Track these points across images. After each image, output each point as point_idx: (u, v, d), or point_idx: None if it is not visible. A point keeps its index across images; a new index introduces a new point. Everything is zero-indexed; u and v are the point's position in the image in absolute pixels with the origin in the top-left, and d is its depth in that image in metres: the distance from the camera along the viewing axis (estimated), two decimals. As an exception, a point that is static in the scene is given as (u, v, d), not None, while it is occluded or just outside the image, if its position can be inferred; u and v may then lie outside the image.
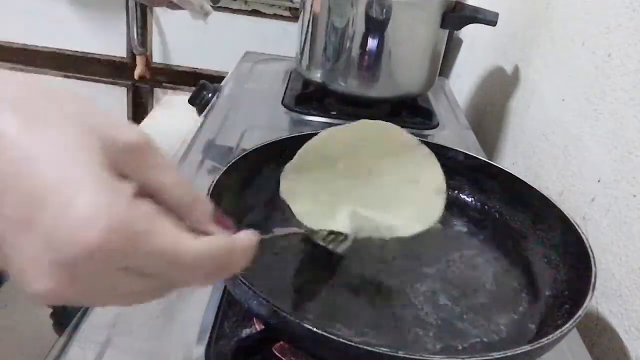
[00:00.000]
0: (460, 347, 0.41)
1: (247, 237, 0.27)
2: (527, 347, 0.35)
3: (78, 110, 0.23)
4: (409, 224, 0.48)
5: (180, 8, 0.79)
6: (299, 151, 0.47)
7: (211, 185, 0.45)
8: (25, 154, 0.21)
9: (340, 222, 0.48)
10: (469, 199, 0.58)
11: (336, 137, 0.47)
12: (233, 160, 0.50)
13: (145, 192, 0.24)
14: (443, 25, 0.83)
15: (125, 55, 1.71)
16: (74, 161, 0.21)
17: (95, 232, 0.20)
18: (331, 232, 0.46)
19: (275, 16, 1.63)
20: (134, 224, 0.21)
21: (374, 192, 0.50)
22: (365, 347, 0.32)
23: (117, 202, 0.21)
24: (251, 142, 0.65)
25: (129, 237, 0.21)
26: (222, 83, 0.97)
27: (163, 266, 0.23)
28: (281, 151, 0.54)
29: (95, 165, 0.21)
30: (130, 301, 0.25)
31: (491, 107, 0.98)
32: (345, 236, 0.46)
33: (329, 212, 0.48)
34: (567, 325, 0.36)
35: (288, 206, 0.53)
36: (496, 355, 0.33)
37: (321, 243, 0.44)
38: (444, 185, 0.49)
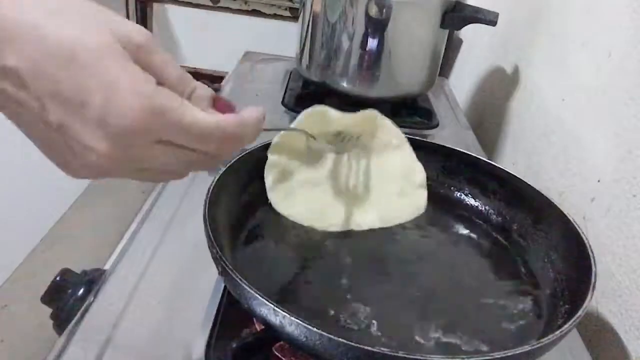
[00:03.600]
0: (460, 347, 0.41)
1: (255, 112, 0.33)
2: (527, 347, 0.35)
3: (98, 14, 0.28)
4: (399, 214, 0.54)
5: None
6: (277, 145, 0.50)
7: (211, 185, 0.45)
8: (69, 52, 0.26)
9: (335, 221, 0.52)
10: (469, 199, 0.58)
11: (316, 131, 0.49)
12: (233, 160, 0.50)
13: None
14: (443, 25, 0.83)
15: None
16: (110, 57, 0.27)
17: (136, 112, 0.27)
18: (338, 133, 0.50)
19: (275, 16, 1.63)
20: (162, 104, 0.28)
21: (362, 188, 0.53)
22: (365, 347, 0.32)
23: (147, 87, 0.28)
24: (251, 142, 0.65)
25: (160, 114, 0.28)
26: (222, 83, 0.97)
27: (189, 137, 0.29)
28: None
29: (127, 60, 0.28)
30: (168, 175, 0.33)
31: (491, 107, 0.98)
32: (349, 137, 0.51)
33: (322, 213, 0.52)
34: (567, 325, 0.36)
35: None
36: (496, 355, 0.33)
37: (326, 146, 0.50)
38: (424, 179, 0.56)
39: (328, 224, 0.52)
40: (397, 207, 0.54)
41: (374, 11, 0.79)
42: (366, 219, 0.53)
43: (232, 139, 0.32)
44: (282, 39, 1.57)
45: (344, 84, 0.84)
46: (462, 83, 1.16)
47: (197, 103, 0.31)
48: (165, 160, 0.30)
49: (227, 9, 1.61)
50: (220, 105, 0.33)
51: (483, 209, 0.57)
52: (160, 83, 0.29)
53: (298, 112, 0.48)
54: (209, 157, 0.32)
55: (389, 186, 0.54)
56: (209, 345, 0.42)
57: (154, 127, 0.28)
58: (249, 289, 0.35)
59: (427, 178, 0.58)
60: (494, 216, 0.56)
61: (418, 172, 0.56)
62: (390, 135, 0.54)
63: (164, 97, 0.28)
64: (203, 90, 0.32)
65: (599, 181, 0.58)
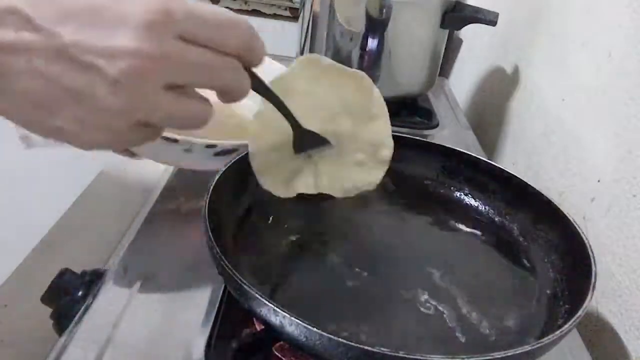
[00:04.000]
0: (460, 347, 0.41)
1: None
2: (527, 347, 0.35)
3: None
4: (348, 185, 0.52)
5: None
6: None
7: (211, 185, 0.45)
8: None
9: (304, 185, 0.50)
10: (469, 199, 0.58)
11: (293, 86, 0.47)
12: (233, 160, 0.50)
13: None
14: (443, 25, 0.83)
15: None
16: None
17: (158, 5, 0.27)
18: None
19: (275, 16, 1.63)
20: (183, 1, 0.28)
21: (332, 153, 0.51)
22: (365, 347, 0.32)
23: None
24: (251, 142, 0.65)
25: (172, 8, 0.28)
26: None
27: (211, 27, 0.30)
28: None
29: None
30: (209, 77, 0.31)
31: (491, 107, 0.98)
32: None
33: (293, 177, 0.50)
34: (567, 325, 0.36)
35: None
36: (496, 355, 0.33)
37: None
38: (389, 157, 0.52)
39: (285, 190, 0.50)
40: (350, 177, 0.52)
41: (374, 11, 0.79)
42: (316, 181, 0.51)
43: (250, 33, 0.32)
44: (282, 39, 1.57)
45: (344, 84, 0.84)
46: (462, 83, 1.16)
47: None
48: (194, 58, 0.29)
49: (227, 9, 1.61)
50: None
51: (483, 209, 0.57)
52: None
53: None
54: (230, 61, 0.31)
55: (353, 154, 0.52)
56: (209, 345, 0.42)
57: (176, 16, 0.28)
58: (249, 289, 0.35)
59: (427, 178, 0.58)
60: (494, 216, 0.56)
61: (385, 148, 0.52)
62: (371, 103, 0.51)
63: None
64: None
65: (599, 181, 0.58)
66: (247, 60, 0.33)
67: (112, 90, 0.27)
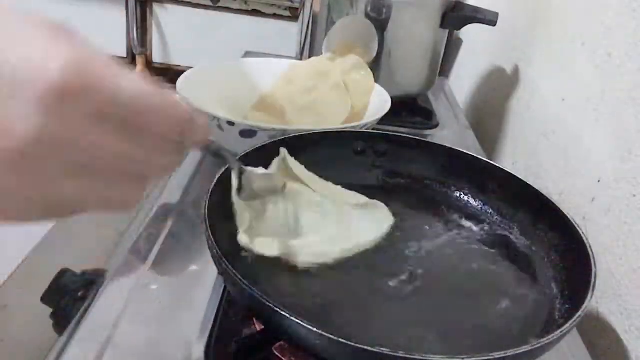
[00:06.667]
0: (460, 347, 0.41)
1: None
2: (527, 347, 0.35)
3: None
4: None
5: None
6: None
7: (211, 185, 0.45)
8: None
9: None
10: (469, 199, 0.58)
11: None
12: (233, 160, 0.50)
13: None
14: (443, 25, 0.83)
15: (125, 55, 1.71)
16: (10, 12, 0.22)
17: (54, 72, 0.21)
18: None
19: (275, 16, 1.64)
20: (92, 64, 0.22)
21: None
22: (365, 347, 0.32)
23: (73, 47, 0.22)
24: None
25: (88, 76, 0.21)
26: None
27: (130, 111, 0.23)
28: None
29: (45, 26, 0.23)
30: (120, 176, 0.25)
31: (491, 107, 0.98)
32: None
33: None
34: (567, 325, 0.36)
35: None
36: (496, 355, 0.33)
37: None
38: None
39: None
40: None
41: (374, 11, 0.79)
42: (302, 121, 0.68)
43: (185, 119, 0.26)
44: (282, 39, 1.57)
45: (344, 84, 0.84)
46: (462, 83, 1.16)
47: None
48: (111, 145, 0.23)
49: (227, 9, 1.61)
50: None
51: (483, 208, 0.57)
52: None
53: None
54: (160, 142, 0.25)
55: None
56: (209, 345, 0.42)
57: (81, 92, 0.22)
58: (248, 288, 0.35)
59: (427, 178, 0.58)
60: (494, 216, 0.56)
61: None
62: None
63: (96, 59, 0.22)
64: None
65: (599, 181, 0.58)
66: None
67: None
